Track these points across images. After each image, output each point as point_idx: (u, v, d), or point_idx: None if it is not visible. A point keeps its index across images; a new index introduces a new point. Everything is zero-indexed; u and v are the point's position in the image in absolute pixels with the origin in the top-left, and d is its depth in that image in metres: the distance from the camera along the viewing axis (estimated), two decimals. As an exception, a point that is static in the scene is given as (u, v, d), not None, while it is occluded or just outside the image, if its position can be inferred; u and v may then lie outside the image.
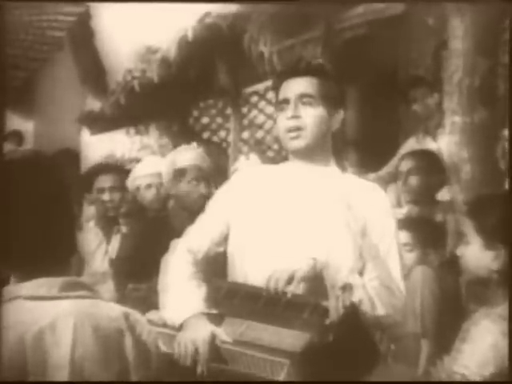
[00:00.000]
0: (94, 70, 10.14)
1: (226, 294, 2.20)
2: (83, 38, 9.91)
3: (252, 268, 2.26)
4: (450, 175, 3.82)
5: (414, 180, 3.76)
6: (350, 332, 2.12)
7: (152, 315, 2.27)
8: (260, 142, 7.53)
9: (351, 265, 2.24)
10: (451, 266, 3.31)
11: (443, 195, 3.84)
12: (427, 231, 3.45)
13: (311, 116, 2.29)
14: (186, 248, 2.35)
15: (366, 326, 2.21)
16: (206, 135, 8.09)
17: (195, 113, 8.15)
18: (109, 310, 1.65)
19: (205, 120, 8.14)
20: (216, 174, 3.67)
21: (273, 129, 7.18)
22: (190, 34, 5.64)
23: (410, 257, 3.33)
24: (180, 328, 2.17)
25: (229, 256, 2.36)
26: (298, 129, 2.28)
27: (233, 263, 2.34)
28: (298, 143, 2.29)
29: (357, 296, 2.17)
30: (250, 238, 2.30)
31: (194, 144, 3.78)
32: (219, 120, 8.03)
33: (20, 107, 7.78)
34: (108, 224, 3.78)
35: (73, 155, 4.99)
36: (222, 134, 7.98)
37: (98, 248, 3.68)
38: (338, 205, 2.28)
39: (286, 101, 2.31)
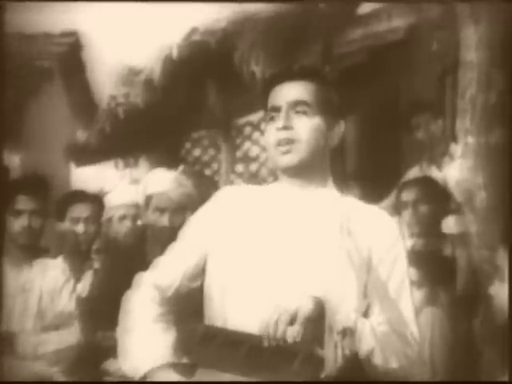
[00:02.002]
0: (85, 102, 9.89)
1: (201, 340, 1.83)
2: (74, 69, 9.69)
3: (234, 308, 1.90)
4: (463, 204, 3.48)
5: (423, 209, 3.46)
6: (351, 387, 1.76)
7: (109, 365, 1.89)
8: (254, 176, 7.24)
9: (354, 305, 1.88)
10: (464, 308, 3.00)
11: (450, 227, 3.54)
12: (436, 267, 3.16)
13: (306, 127, 1.93)
14: (153, 283, 1.97)
15: (369, 379, 1.83)
16: (198, 167, 7.78)
17: (187, 145, 7.88)
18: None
19: (197, 152, 7.86)
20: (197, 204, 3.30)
21: (268, 161, 6.89)
22: (174, 53, 5.29)
23: (417, 295, 3.00)
24: (141, 382, 1.80)
25: (206, 293, 1.98)
26: (290, 142, 1.92)
27: (210, 302, 1.96)
28: (290, 159, 1.93)
29: (366, 345, 1.81)
30: (231, 271, 1.93)
31: (181, 167, 3.42)
32: (211, 152, 7.75)
33: (6, 139, 7.50)
34: (79, 258, 3.42)
35: (40, 181, 4.59)
36: (215, 166, 7.68)
37: (65, 286, 3.31)
38: (336, 232, 1.93)
39: (276, 109, 1.95)
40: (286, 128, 1.92)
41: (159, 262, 2.03)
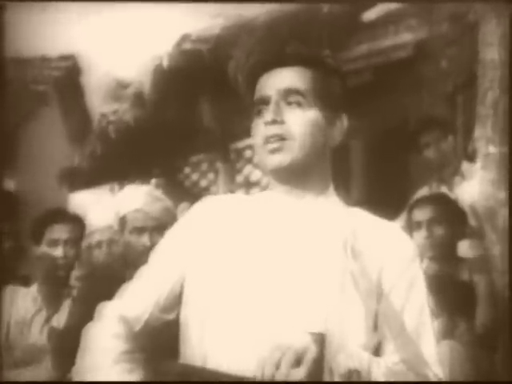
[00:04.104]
0: (82, 126, 9.71)
1: (175, 380, 1.51)
2: (71, 94, 9.49)
3: (215, 344, 1.56)
4: (483, 223, 3.15)
5: (438, 230, 3.13)
6: None
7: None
8: (256, 201, 7.01)
9: (361, 340, 1.54)
10: (485, 340, 2.68)
11: (466, 251, 3.23)
12: (452, 294, 2.86)
13: (300, 121, 1.60)
14: (117, 315, 1.62)
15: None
16: (196, 192, 7.54)
17: (187, 169, 7.65)
18: None
19: (195, 176, 7.62)
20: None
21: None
22: (165, 63, 4.99)
23: (434, 326, 2.66)
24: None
25: (182, 326, 1.65)
26: (281, 138, 1.59)
27: (187, 337, 1.63)
28: (280, 158, 1.59)
29: None
30: (212, 300, 1.59)
31: (153, 181, 3.13)
32: (211, 176, 7.51)
33: (1, 164, 7.29)
34: (56, 286, 3.10)
35: (7, 199, 4.27)
36: (214, 190, 7.44)
37: (35, 316, 2.99)
38: (339, 252, 1.59)
39: (265, 100, 1.63)
40: (275, 122, 1.59)
41: (126, 289, 1.70)
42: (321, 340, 1.45)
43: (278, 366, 1.38)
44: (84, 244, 3.23)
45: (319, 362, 1.42)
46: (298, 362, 1.39)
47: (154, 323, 1.64)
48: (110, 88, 6.05)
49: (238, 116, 5.21)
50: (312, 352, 1.40)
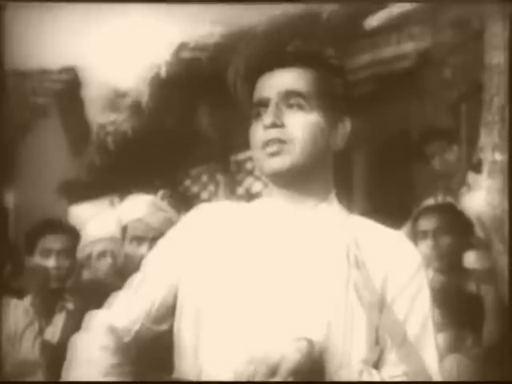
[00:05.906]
0: (83, 140, 9.69)
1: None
2: (72, 107, 9.47)
3: (210, 356, 1.49)
4: (491, 233, 3.08)
5: (445, 240, 3.05)
6: None
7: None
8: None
9: (362, 354, 1.47)
10: (494, 354, 2.60)
11: (473, 262, 3.16)
12: (459, 307, 2.79)
13: (301, 124, 1.52)
14: (107, 325, 1.55)
15: None
16: (197, 204, 7.47)
17: (187, 182, 7.59)
18: None
19: (195, 188, 7.57)
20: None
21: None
22: (163, 72, 4.91)
23: (439, 339, 2.59)
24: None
25: (175, 337, 1.57)
26: (281, 142, 1.51)
27: (182, 349, 1.55)
28: (280, 162, 1.51)
29: None
30: (207, 310, 1.52)
31: (161, 192, 3.08)
32: (211, 188, 7.45)
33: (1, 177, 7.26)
34: (49, 298, 3.01)
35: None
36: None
37: (27, 330, 2.90)
38: (341, 261, 1.52)
39: (264, 102, 1.55)
40: (275, 125, 1.51)
41: (116, 298, 1.62)
42: (311, 347, 1.38)
43: (251, 379, 1.35)
44: (84, 254, 3.15)
45: (311, 370, 1.37)
46: (272, 374, 1.35)
47: (144, 334, 1.57)
48: (107, 98, 5.99)
49: (238, 127, 5.15)
50: (288, 364, 1.35)
